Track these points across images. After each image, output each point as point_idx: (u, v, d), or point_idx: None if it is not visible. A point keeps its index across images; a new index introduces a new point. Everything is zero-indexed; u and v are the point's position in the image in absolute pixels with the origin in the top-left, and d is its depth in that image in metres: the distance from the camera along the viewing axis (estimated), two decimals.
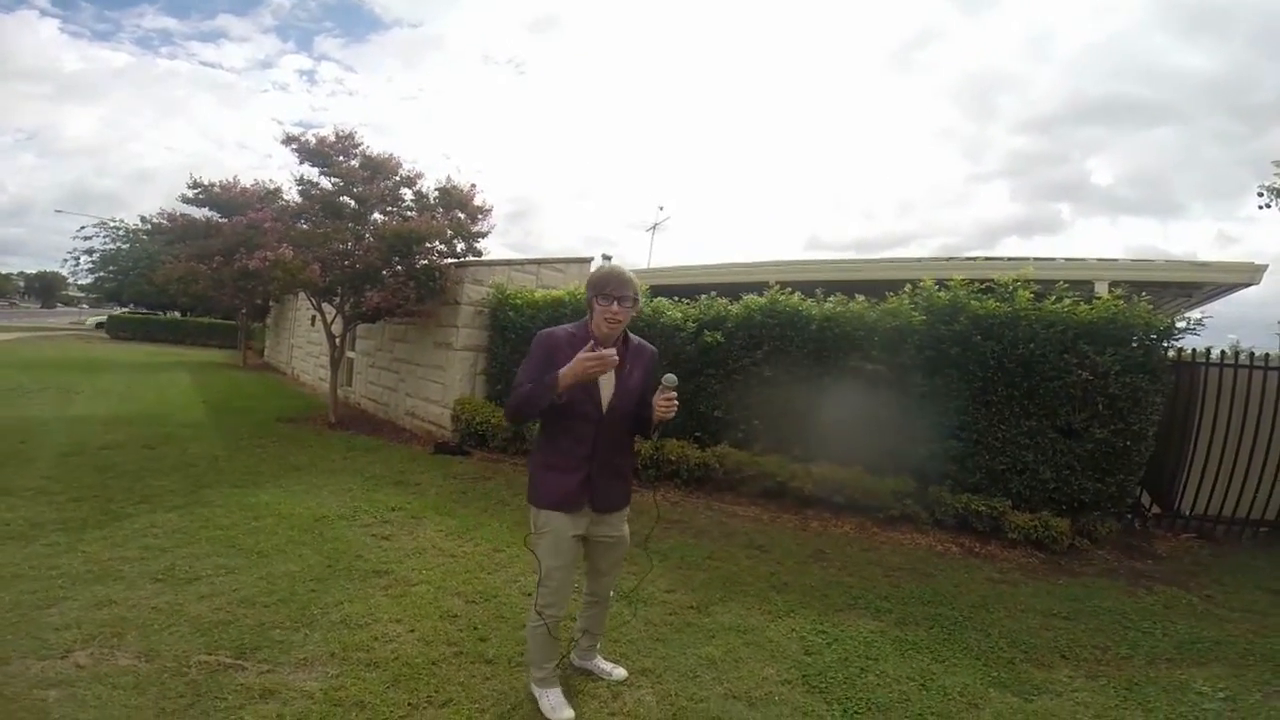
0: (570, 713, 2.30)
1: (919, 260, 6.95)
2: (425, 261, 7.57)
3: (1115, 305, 4.55)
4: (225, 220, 7.43)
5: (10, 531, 3.81)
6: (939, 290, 5.01)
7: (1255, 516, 5.15)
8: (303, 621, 2.93)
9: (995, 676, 2.78)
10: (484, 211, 8.01)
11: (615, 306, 2.19)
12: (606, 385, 2.24)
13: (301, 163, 7.67)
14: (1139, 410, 4.46)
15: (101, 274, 32.98)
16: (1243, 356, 5.19)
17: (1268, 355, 5.31)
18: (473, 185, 7.97)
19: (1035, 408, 4.65)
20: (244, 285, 7.56)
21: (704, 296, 6.10)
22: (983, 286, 4.98)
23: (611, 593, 2.57)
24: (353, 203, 7.69)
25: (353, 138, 7.73)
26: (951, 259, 6.81)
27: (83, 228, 37.97)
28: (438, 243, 7.60)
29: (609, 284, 2.20)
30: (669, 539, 4.41)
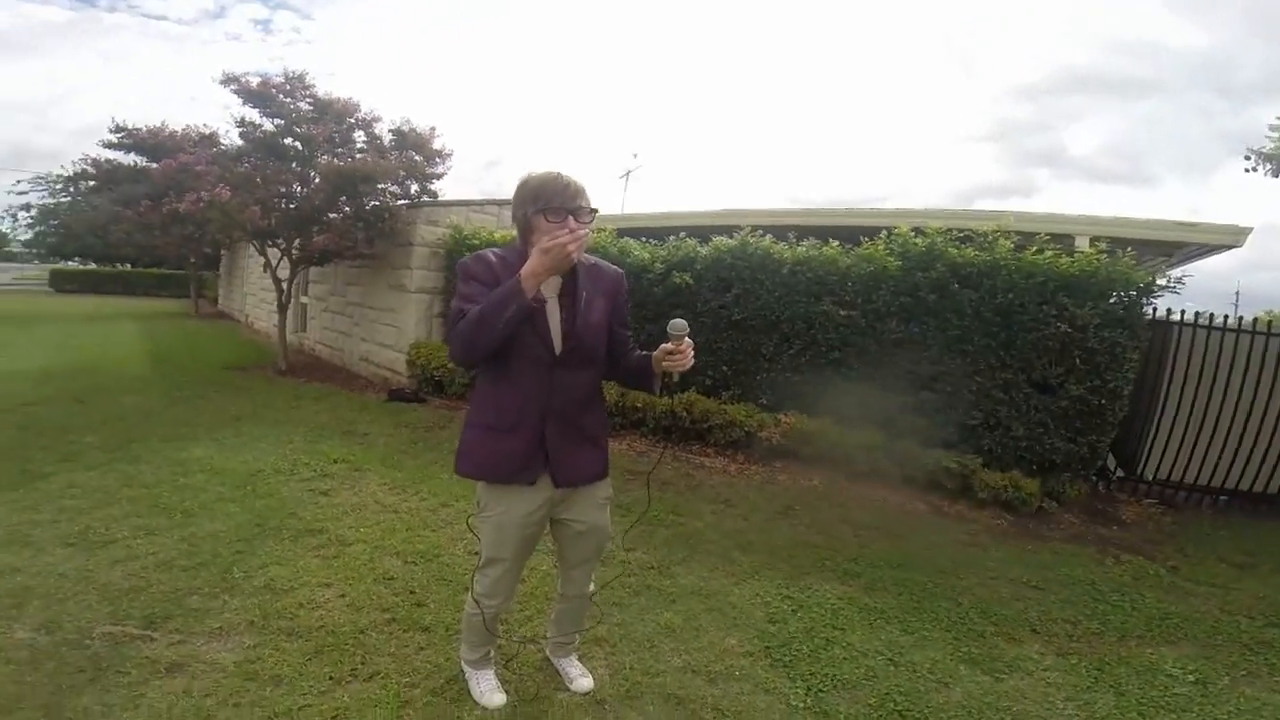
0: (500, 699, 2.03)
1: (895, 210, 6.68)
2: (375, 203, 7.24)
3: (1098, 259, 4.37)
4: (154, 165, 7.00)
5: None
6: (915, 237, 4.79)
7: (1216, 484, 5.06)
8: (223, 587, 2.68)
9: (965, 651, 2.62)
10: (443, 155, 7.77)
11: (572, 221, 1.64)
12: (556, 319, 1.73)
13: (244, 105, 7.24)
14: (1116, 367, 4.31)
15: (41, 229, 31.33)
16: (1216, 319, 5.05)
17: (1240, 318, 5.14)
18: (432, 128, 7.71)
19: (1012, 359, 4.49)
20: (178, 231, 7.16)
21: (673, 238, 5.80)
22: (960, 236, 4.77)
23: (591, 587, 2.10)
24: (298, 144, 7.29)
25: (303, 79, 7.36)
26: (928, 209, 6.55)
27: (18, 182, 35.37)
28: (389, 184, 7.31)
29: (556, 193, 1.65)
30: (631, 491, 4.21)
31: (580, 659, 2.26)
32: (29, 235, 34.28)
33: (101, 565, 2.80)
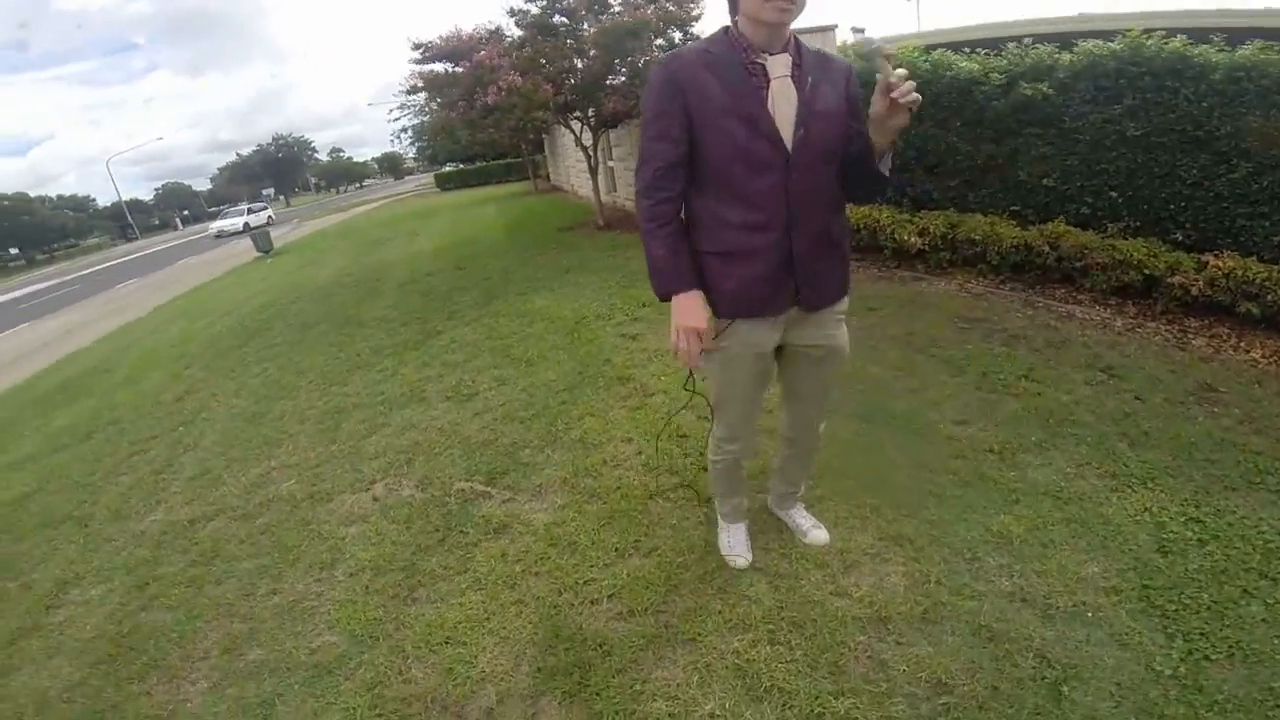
0: (744, 561, 1.92)
1: None
2: (646, 58, 7.41)
3: None
4: (459, 68, 7.78)
5: (359, 361, 4.60)
6: None
7: None
8: (548, 440, 2.97)
9: None
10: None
11: None
12: (785, 111, 1.38)
13: None
14: None
15: (419, 144, 38.35)
16: None
17: None
18: None
19: None
20: (495, 121, 7.86)
21: (1013, 45, 4.40)
22: None
23: (821, 427, 1.83)
24: (564, 18, 7.80)
25: None
26: None
27: (390, 111, 43.43)
28: (654, 38, 7.53)
29: None
30: (965, 343, 3.44)
31: (809, 509, 2.09)
32: (414, 151, 42.50)
33: (466, 417, 3.34)
